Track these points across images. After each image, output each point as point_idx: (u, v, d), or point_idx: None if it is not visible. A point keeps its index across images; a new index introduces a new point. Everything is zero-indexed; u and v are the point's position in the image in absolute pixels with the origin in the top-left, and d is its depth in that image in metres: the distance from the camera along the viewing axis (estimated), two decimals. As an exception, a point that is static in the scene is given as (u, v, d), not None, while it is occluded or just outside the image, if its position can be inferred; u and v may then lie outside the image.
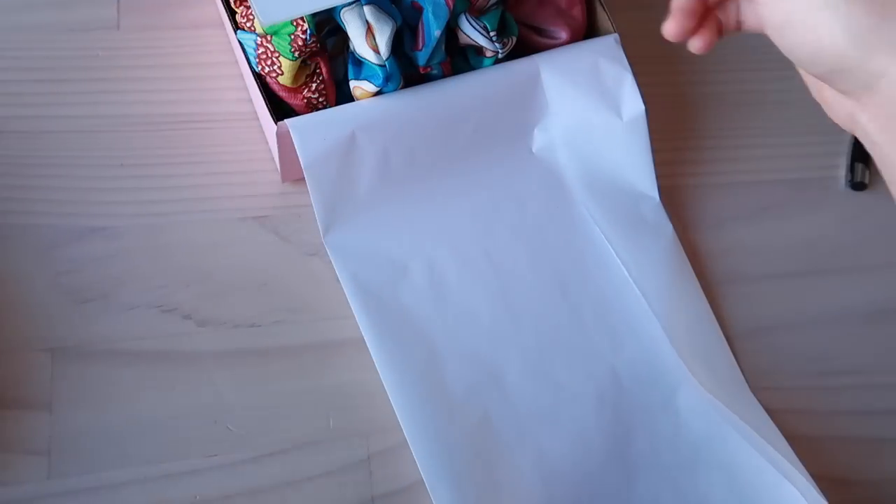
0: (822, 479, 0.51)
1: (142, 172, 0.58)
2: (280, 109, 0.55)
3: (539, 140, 0.60)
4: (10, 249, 0.55)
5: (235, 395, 0.53)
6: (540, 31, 0.59)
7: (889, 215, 0.62)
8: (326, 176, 0.54)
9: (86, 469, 0.50)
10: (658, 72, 0.65)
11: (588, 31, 0.61)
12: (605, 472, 0.52)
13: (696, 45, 0.45)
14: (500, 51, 0.56)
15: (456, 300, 0.55)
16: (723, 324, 0.57)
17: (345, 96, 0.56)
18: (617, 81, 0.58)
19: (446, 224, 0.57)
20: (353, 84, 0.55)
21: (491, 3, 0.55)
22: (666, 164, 0.61)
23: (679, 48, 0.66)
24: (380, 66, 0.53)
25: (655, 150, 0.59)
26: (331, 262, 0.56)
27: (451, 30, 0.55)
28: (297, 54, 0.53)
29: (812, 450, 0.54)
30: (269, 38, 0.53)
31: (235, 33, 0.55)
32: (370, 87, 0.54)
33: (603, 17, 0.60)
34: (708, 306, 0.57)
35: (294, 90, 0.55)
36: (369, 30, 0.52)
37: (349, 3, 0.52)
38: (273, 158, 0.59)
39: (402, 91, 0.55)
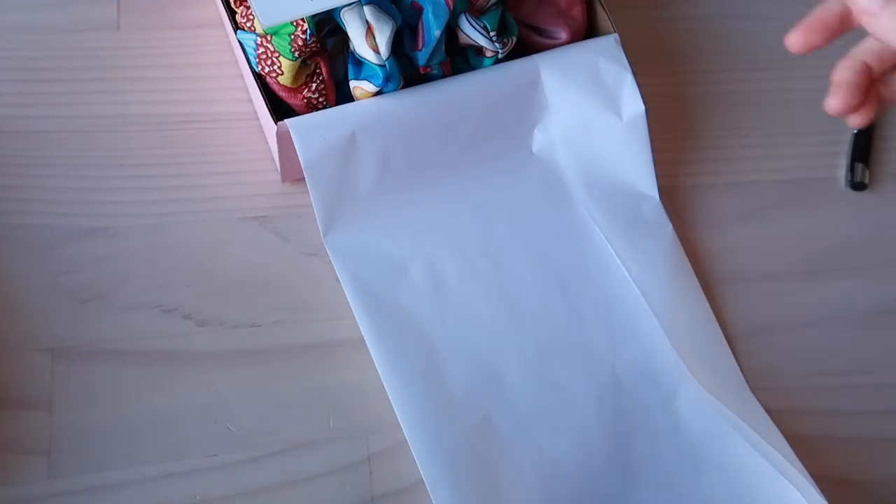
0: (822, 479, 0.51)
1: (141, 172, 0.58)
2: (280, 109, 0.55)
3: (539, 140, 0.60)
4: (9, 249, 0.55)
5: (235, 395, 0.53)
6: (540, 31, 0.59)
7: (889, 215, 0.62)
8: (326, 176, 0.54)
9: (86, 469, 0.50)
10: (658, 72, 0.65)
11: (588, 31, 0.61)
12: (605, 472, 0.52)
13: (856, 121, 0.43)
14: (500, 51, 0.56)
15: (456, 300, 0.55)
16: (723, 324, 0.57)
17: (345, 96, 0.56)
18: (617, 81, 0.58)
19: (446, 224, 0.57)
20: (353, 84, 0.55)
21: (491, 3, 0.55)
22: (666, 164, 0.61)
23: (679, 48, 0.67)
24: (380, 66, 0.53)
25: (655, 150, 0.59)
26: (331, 262, 0.56)
27: (451, 30, 0.55)
28: (297, 54, 0.53)
29: (812, 450, 0.54)
30: (269, 38, 0.53)
31: (235, 33, 0.55)
32: (370, 87, 0.54)
33: (603, 17, 0.60)
34: (708, 306, 0.57)
35: (294, 90, 0.55)
36: (369, 30, 0.52)
37: (349, 4, 0.52)
38: (273, 158, 0.59)
39: (402, 91, 0.55)
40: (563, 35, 0.59)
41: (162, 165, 0.58)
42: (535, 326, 0.55)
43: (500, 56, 0.57)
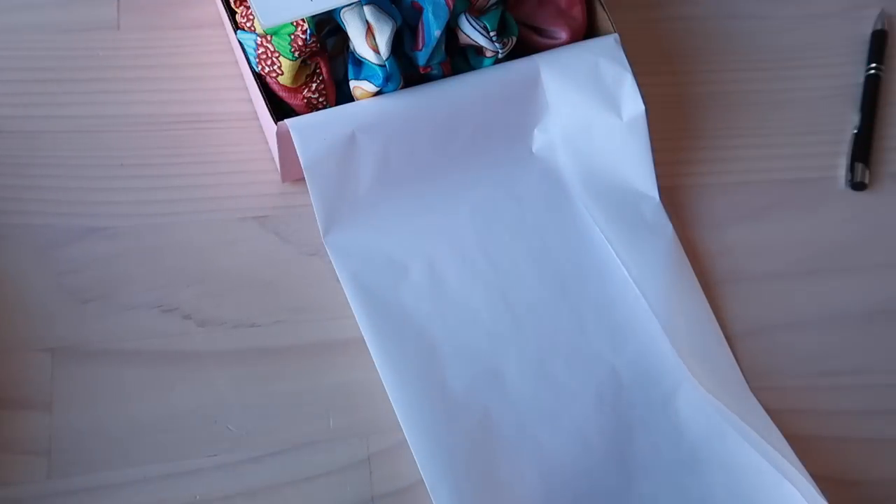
0: (822, 479, 0.51)
1: (142, 172, 0.58)
2: (280, 109, 0.55)
3: (539, 140, 0.60)
4: (10, 249, 0.55)
5: (235, 395, 0.53)
6: (540, 31, 0.59)
7: (889, 215, 0.62)
8: (326, 176, 0.54)
9: (86, 469, 0.50)
10: (658, 72, 0.65)
11: (588, 31, 0.61)
12: (605, 472, 0.52)
13: None
14: (500, 51, 0.56)
15: (456, 300, 0.55)
16: (723, 324, 0.57)
17: (345, 96, 0.56)
18: (617, 81, 0.58)
19: (446, 224, 0.57)
20: (353, 84, 0.55)
21: (491, 3, 0.55)
22: (666, 164, 0.61)
23: (679, 48, 0.67)
24: (380, 66, 0.53)
25: (655, 150, 0.59)
26: (331, 262, 0.56)
27: (451, 30, 0.55)
28: (297, 54, 0.53)
29: (812, 450, 0.54)
30: (269, 38, 0.53)
31: (235, 33, 0.55)
32: (370, 87, 0.54)
33: (603, 17, 0.60)
34: (708, 306, 0.57)
35: (294, 90, 0.55)
36: (369, 30, 0.52)
37: (349, 4, 0.52)
38: (273, 158, 0.59)
39: (402, 91, 0.55)
40: (563, 35, 0.59)
41: (162, 165, 0.58)
42: (535, 326, 0.55)
43: (500, 56, 0.57)
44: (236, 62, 0.61)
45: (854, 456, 0.55)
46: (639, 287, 0.56)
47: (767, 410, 0.55)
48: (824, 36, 0.68)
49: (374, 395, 0.53)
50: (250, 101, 0.60)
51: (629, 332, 0.56)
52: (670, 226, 0.59)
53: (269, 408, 0.53)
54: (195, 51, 0.62)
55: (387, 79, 0.53)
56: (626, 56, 0.58)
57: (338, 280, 0.55)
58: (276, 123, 0.53)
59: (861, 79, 0.66)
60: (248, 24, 0.55)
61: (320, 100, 0.55)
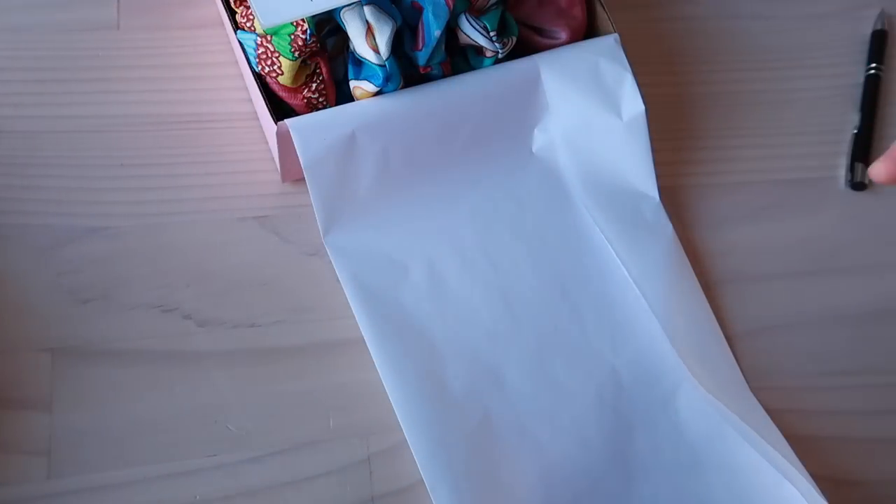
0: (822, 479, 0.51)
1: (142, 172, 0.58)
2: (280, 109, 0.55)
3: (539, 140, 0.60)
4: (10, 249, 0.55)
5: (235, 395, 0.53)
6: (540, 31, 0.59)
7: (889, 215, 0.62)
8: (326, 176, 0.54)
9: (86, 469, 0.50)
10: (658, 72, 0.65)
11: (588, 31, 0.61)
12: (605, 472, 0.52)
13: (883, 180, 0.44)
14: (500, 51, 0.56)
15: (456, 300, 0.55)
16: (723, 324, 0.57)
17: (345, 96, 0.56)
18: (617, 81, 0.58)
19: (446, 224, 0.57)
20: (353, 84, 0.55)
21: (491, 3, 0.55)
22: (666, 164, 0.61)
23: (679, 48, 0.67)
24: (380, 66, 0.53)
25: (655, 150, 0.59)
26: (331, 262, 0.56)
27: (451, 30, 0.55)
28: (297, 54, 0.53)
29: (812, 450, 0.54)
30: (269, 38, 0.53)
31: (235, 33, 0.55)
32: (370, 87, 0.54)
33: (603, 17, 0.60)
34: (708, 306, 0.57)
35: (294, 90, 0.55)
36: (369, 30, 0.52)
37: (349, 4, 0.52)
38: (273, 158, 0.59)
39: (402, 91, 0.55)
40: (563, 35, 0.59)
41: (162, 165, 0.58)
42: (535, 326, 0.55)
43: (500, 56, 0.57)
44: (236, 62, 0.61)
45: (854, 456, 0.55)
46: (639, 287, 0.56)
47: (767, 410, 0.55)
48: (824, 36, 0.68)
49: (374, 395, 0.53)
50: (250, 101, 0.60)
51: (629, 332, 0.56)
52: (670, 226, 0.59)
53: (269, 408, 0.53)
54: (195, 51, 0.62)
55: (387, 79, 0.53)
56: (626, 56, 0.58)
57: (338, 280, 0.55)
58: (276, 123, 0.53)
59: (861, 79, 0.66)
60: (248, 24, 0.55)
61: (320, 100, 0.55)
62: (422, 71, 0.55)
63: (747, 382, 0.56)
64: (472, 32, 0.55)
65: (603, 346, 0.55)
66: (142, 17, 0.63)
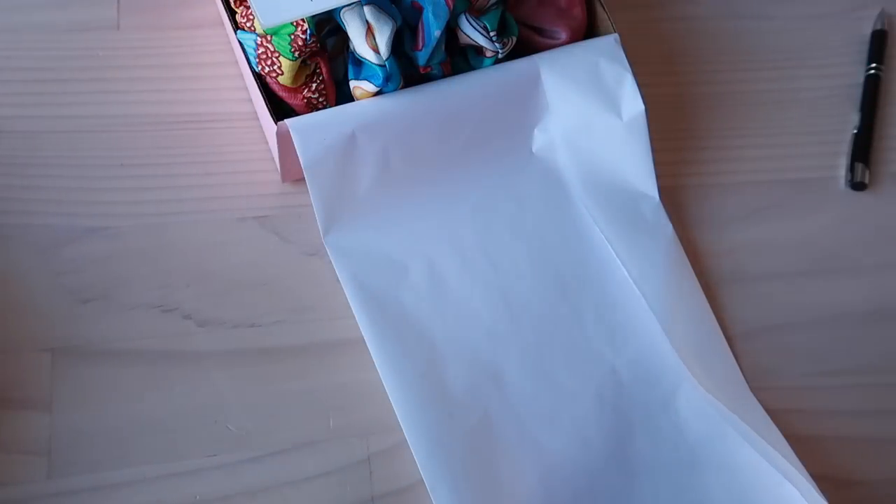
0: (822, 479, 0.51)
1: (142, 172, 0.58)
2: (280, 109, 0.55)
3: (539, 140, 0.60)
4: (10, 249, 0.55)
5: (235, 395, 0.53)
6: (540, 31, 0.59)
7: (889, 215, 0.62)
8: (326, 176, 0.54)
9: (86, 469, 0.50)
10: (658, 72, 0.65)
11: (588, 31, 0.61)
12: (605, 472, 0.52)
13: None
14: (500, 51, 0.56)
15: (456, 300, 0.55)
16: (723, 324, 0.57)
17: (345, 96, 0.56)
18: (617, 81, 0.58)
19: (446, 224, 0.57)
20: (353, 84, 0.55)
21: (491, 3, 0.55)
22: (666, 164, 0.61)
23: (679, 48, 0.67)
24: (380, 66, 0.53)
25: (655, 150, 0.59)
26: (331, 262, 0.56)
27: (451, 30, 0.55)
28: (297, 54, 0.53)
29: (812, 450, 0.54)
30: (269, 38, 0.53)
31: (235, 33, 0.55)
32: (370, 87, 0.54)
33: (603, 17, 0.60)
34: (708, 306, 0.57)
35: (294, 90, 0.55)
36: (369, 30, 0.52)
37: (349, 4, 0.52)
38: (273, 158, 0.59)
39: (402, 91, 0.55)
40: (563, 35, 0.59)
41: (162, 165, 0.58)
42: (535, 326, 0.55)
43: (500, 56, 0.57)
44: (236, 62, 0.61)
45: (854, 456, 0.55)
46: (639, 287, 0.56)
47: (767, 410, 0.55)
48: (824, 36, 0.68)
49: (374, 395, 0.53)
50: (250, 101, 0.60)
51: (629, 332, 0.56)
52: (670, 226, 0.59)
53: (269, 408, 0.53)
54: (195, 51, 0.62)
55: (387, 79, 0.53)
56: (626, 56, 0.58)
57: (338, 280, 0.55)
58: (276, 123, 0.53)
59: (861, 79, 0.66)
60: (248, 24, 0.55)
61: (320, 100, 0.55)
62: (422, 71, 0.55)
63: (747, 382, 0.56)
64: (472, 32, 0.55)
65: (603, 346, 0.55)
66: (142, 17, 0.63)
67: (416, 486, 0.51)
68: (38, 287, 0.54)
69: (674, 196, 0.61)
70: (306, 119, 0.54)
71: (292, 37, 0.52)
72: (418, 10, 0.53)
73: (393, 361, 0.53)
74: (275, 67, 0.53)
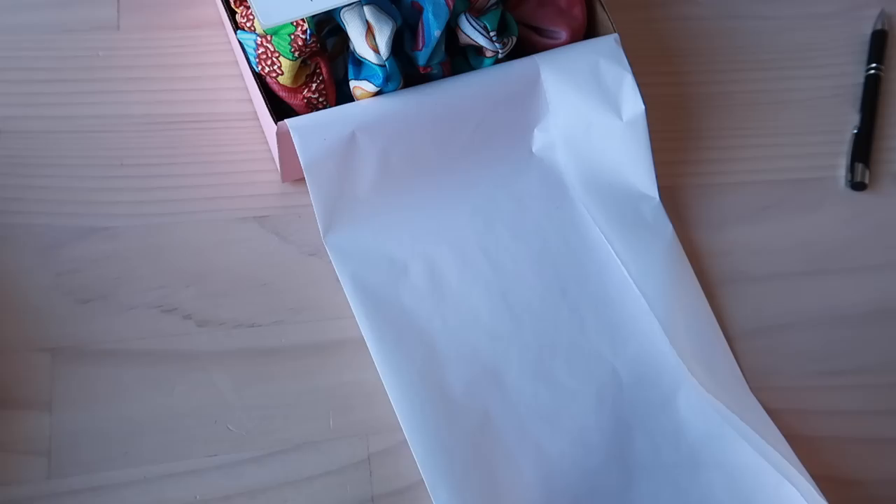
0: (822, 479, 0.51)
1: (142, 172, 0.58)
2: (280, 109, 0.55)
3: (539, 140, 0.60)
4: (10, 249, 0.55)
5: (235, 395, 0.53)
6: (540, 31, 0.59)
7: (889, 215, 0.62)
8: (326, 176, 0.54)
9: (86, 469, 0.50)
10: (658, 72, 0.65)
11: (588, 31, 0.61)
12: (605, 472, 0.52)
13: None
14: (500, 51, 0.56)
15: (456, 300, 0.55)
16: (723, 324, 0.57)
17: (345, 96, 0.56)
18: (617, 81, 0.58)
19: (446, 224, 0.57)
20: (353, 84, 0.55)
21: (491, 3, 0.55)
22: (666, 164, 0.61)
23: (679, 48, 0.67)
24: (380, 66, 0.53)
25: (655, 150, 0.59)
26: (331, 262, 0.56)
27: (451, 30, 0.55)
28: (297, 54, 0.53)
29: (812, 450, 0.54)
30: (269, 38, 0.53)
31: (235, 33, 0.55)
32: (370, 87, 0.54)
33: (603, 17, 0.60)
34: (708, 306, 0.57)
35: (294, 90, 0.55)
36: (369, 30, 0.52)
37: (349, 4, 0.52)
38: (273, 158, 0.59)
39: (402, 91, 0.55)
40: (563, 35, 0.59)
41: (162, 165, 0.58)
42: (535, 326, 0.55)
43: (500, 56, 0.57)
44: (236, 62, 0.61)
45: (854, 456, 0.55)
46: (639, 287, 0.56)
47: (767, 410, 0.55)
48: (824, 36, 0.68)
49: (374, 395, 0.53)
50: (250, 101, 0.60)
51: (629, 333, 0.56)
52: (670, 226, 0.59)
53: (269, 408, 0.53)
54: (195, 51, 0.62)
55: (387, 79, 0.53)
56: (626, 56, 0.58)
57: (338, 280, 0.55)
58: (276, 123, 0.53)
59: (861, 79, 0.66)
60: (248, 24, 0.55)
61: (320, 100, 0.55)
62: (422, 71, 0.55)
63: (747, 382, 0.56)
64: (472, 32, 0.55)
65: (603, 346, 0.55)
66: (142, 17, 0.63)
67: (416, 486, 0.51)
68: (37, 287, 0.54)
69: (674, 196, 0.61)
70: (306, 119, 0.54)
71: (292, 37, 0.52)
72: (418, 10, 0.53)
73: (393, 361, 0.53)
74: (275, 67, 0.53)
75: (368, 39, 0.52)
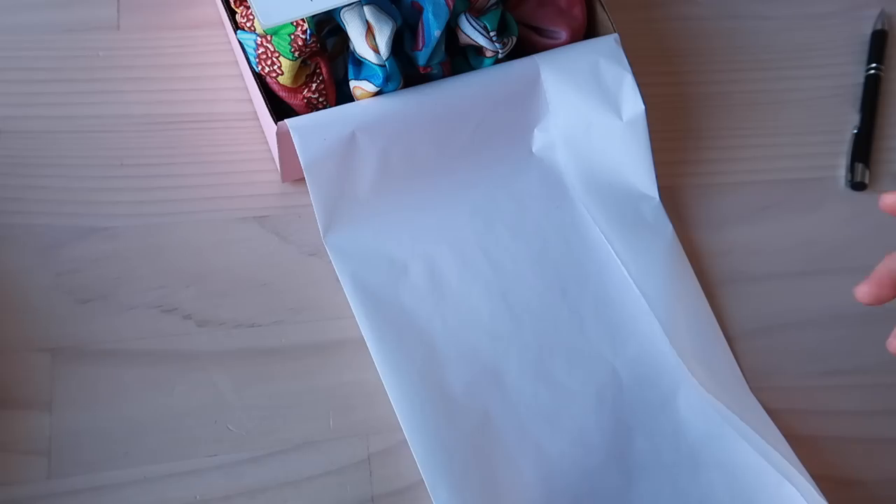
0: (822, 479, 0.51)
1: (142, 172, 0.58)
2: (280, 109, 0.55)
3: (539, 140, 0.60)
4: (10, 249, 0.55)
5: (235, 395, 0.53)
6: (540, 31, 0.59)
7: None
8: (326, 176, 0.54)
9: (86, 469, 0.50)
10: (658, 72, 0.65)
11: (588, 31, 0.61)
12: (605, 472, 0.52)
13: (869, 301, 0.45)
14: (500, 51, 0.56)
15: (456, 300, 0.55)
16: (723, 324, 0.57)
17: (345, 96, 0.56)
18: (617, 81, 0.58)
19: (446, 224, 0.57)
20: (353, 84, 0.55)
21: (491, 3, 0.55)
22: (666, 164, 0.61)
23: (679, 48, 0.67)
24: (380, 66, 0.53)
25: (655, 150, 0.59)
26: (331, 262, 0.56)
27: (451, 30, 0.55)
28: (297, 54, 0.53)
29: (812, 450, 0.54)
30: (269, 38, 0.53)
31: (235, 33, 0.55)
32: (370, 87, 0.54)
33: (603, 17, 0.60)
34: (708, 306, 0.57)
35: (294, 90, 0.55)
36: (369, 30, 0.52)
37: (349, 4, 0.52)
38: (273, 158, 0.59)
39: (402, 91, 0.55)
40: (563, 35, 0.59)
41: (162, 165, 0.58)
42: (535, 326, 0.55)
43: (500, 56, 0.57)
44: (236, 62, 0.61)
45: (854, 456, 0.55)
46: (639, 287, 0.56)
47: (767, 410, 0.55)
48: (824, 36, 0.68)
49: (374, 395, 0.53)
50: (250, 101, 0.60)
51: (629, 333, 0.56)
52: (670, 226, 0.59)
53: (269, 408, 0.53)
54: (195, 51, 0.62)
55: (387, 79, 0.53)
56: (626, 56, 0.58)
57: (338, 280, 0.55)
58: (276, 123, 0.53)
59: (861, 79, 0.66)
60: (248, 24, 0.55)
61: (320, 100, 0.55)
62: (422, 71, 0.55)
63: (747, 382, 0.56)
64: (472, 32, 0.55)
65: (603, 346, 0.55)
66: (142, 17, 0.63)
67: (416, 486, 0.51)
68: (37, 287, 0.54)
69: (674, 196, 0.61)
70: (306, 119, 0.54)
71: (292, 37, 0.52)
72: (418, 10, 0.53)
73: (393, 361, 0.53)
74: (275, 67, 0.53)
75: (368, 39, 0.52)
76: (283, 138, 0.54)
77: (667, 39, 0.67)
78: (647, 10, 0.67)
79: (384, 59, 0.52)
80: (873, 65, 0.66)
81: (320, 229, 0.55)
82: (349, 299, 0.55)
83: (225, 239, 0.57)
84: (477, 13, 0.55)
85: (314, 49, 0.53)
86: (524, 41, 0.59)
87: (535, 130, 0.59)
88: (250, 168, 0.59)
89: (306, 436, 0.52)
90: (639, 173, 0.59)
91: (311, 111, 0.55)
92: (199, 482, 0.51)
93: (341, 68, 0.56)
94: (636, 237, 0.58)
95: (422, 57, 0.54)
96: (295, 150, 0.53)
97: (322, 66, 0.55)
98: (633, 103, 0.58)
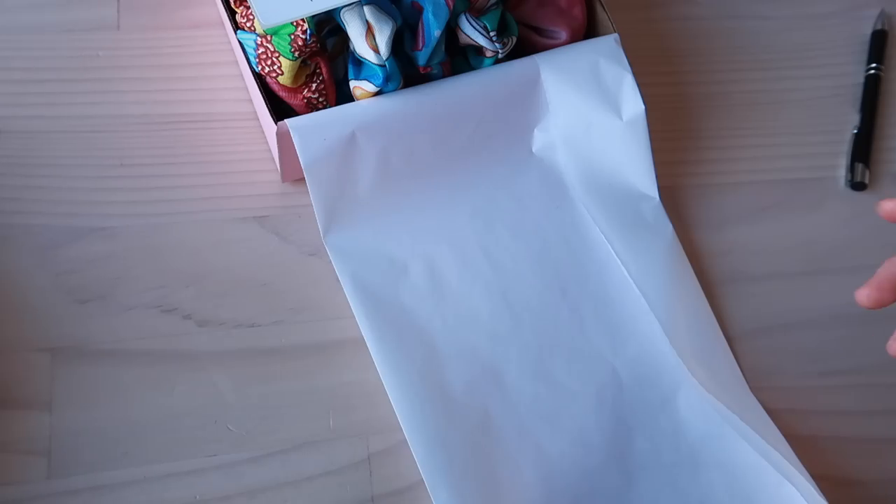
0: (822, 479, 0.51)
1: (141, 172, 0.58)
2: (280, 109, 0.55)
3: (539, 140, 0.60)
4: (9, 249, 0.55)
5: (235, 395, 0.53)
6: (540, 31, 0.59)
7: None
8: (326, 176, 0.54)
9: (86, 469, 0.50)
10: (658, 72, 0.65)
11: (588, 31, 0.61)
12: (605, 472, 0.52)
13: (869, 305, 0.45)
14: (500, 51, 0.56)
15: (456, 300, 0.55)
16: (723, 324, 0.57)
17: (345, 96, 0.56)
18: (617, 81, 0.58)
19: (446, 224, 0.57)
20: (353, 84, 0.55)
21: (491, 3, 0.55)
22: (666, 164, 0.61)
23: (679, 48, 0.67)
24: (380, 66, 0.53)
25: (655, 150, 0.59)
26: (331, 262, 0.56)
27: (451, 30, 0.55)
28: (297, 54, 0.53)
29: (812, 450, 0.54)
30: (269, 38, 0.53)
31: (235, 33, 0.55)
32: (370, 87, 0.54)
33: (603, 17, 0.60)
34: (708, 306, 0.57)
35: (294, 90, 0.55)
36: (369, 30, 0.52)
37: (349, 4, 0.52)
38: (273, 158, 0.59)
39: (402, 91, 0.55)
40: (563, 35, 0.59)
41: (162, 165, 0.58)
42: (535, 326, 0.55)
43: (500, 56, 0.57)
44: (236, 62, 0.61)
45: (854, 456, 0.55)
46: (639, 287, 0.56)
47: (767, 410, 0.55)
48: (824, 36, 0.68)
49: (374, 395, 0.53)
50: (250, 101, 0.60)
51: (629, 333, 0.56)
52: (670, 226, 0.59)
53: (269, 408, 0.53)
54: (195, 51, 0.62)
55: (387, 79, 0.53)
56: (626, 56, 0.58)
57: (338, 280, 0.55)
58: (276, 123, 0.53)
59: (861, 79, 0.66)
60: (248, 24, 0.55)
61: (320, 100, 0.55)
62: (422, 71, 0.55)
63: (747, 382, 0.56)
64: (472, 32, 0.55)
65: (603, 346, 0.55)
66: (142, 17, 0.63)
67: (416, 486, 0.51)
68: (36, 287, 0.54)
69: (674, 196, 0.61)
70: (306, 119, 0.54)
71: (292, 37, 0.52)
72: (418, 10, 0.53)
73: (393, 361, 0.53)
74: (275, 67, 0.53)
75: (368, 39, 0.52)
76: (283, 138, 0.54)
77: (667, 39, 0.67)
78: (647, 10, 0.67)
79: (384, 59, 0.52)
80: (873, 65, 0.66)
81: (320, 229, 0.55)
82: (349, 299, 0.55)
83: (225, 239, 0.57)
84: (477, 13, 0.55)
85: (314, 49, 0.53)
86: (524, 41, 0.59)
87: (535, 130, 0.59)
88: (250, 168, 0.59)
89: (306, 436, 0.52)
90: (639, 173, 0.59)
91: (311, 111, 0.55)
92: (198, 482, 0.51)
93: (341, 68, 0.56)
94: (636, 237, 0.58)
95: (422, 57, 0.54)
96: (295, 150, 0.53)
97: (322, 66, 0.55)
98: (633, 103, 0.58)
